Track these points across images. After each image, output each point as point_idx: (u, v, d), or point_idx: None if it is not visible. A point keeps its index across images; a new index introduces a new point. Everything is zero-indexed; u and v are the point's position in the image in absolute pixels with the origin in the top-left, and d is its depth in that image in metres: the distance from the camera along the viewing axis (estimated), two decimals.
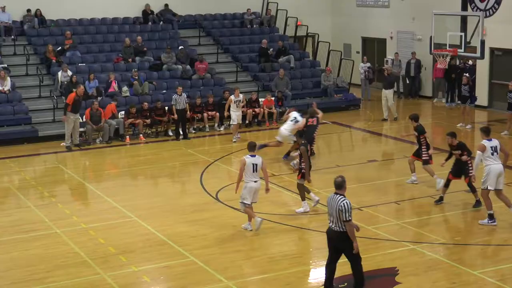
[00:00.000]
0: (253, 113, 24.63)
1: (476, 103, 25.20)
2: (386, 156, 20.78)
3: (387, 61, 30.20)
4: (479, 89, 26.20)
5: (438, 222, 14.55)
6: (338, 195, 10.58)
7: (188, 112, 23.29)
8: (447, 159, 15.57)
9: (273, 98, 25.45)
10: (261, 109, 24.82)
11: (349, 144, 23.07)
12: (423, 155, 16.62)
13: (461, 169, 15.20)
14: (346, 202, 10.45)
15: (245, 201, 13.89)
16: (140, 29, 29.14)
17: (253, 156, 13.81)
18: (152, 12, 29.70)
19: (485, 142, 14.10)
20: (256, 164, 13.73)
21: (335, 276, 10.92)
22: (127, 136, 22.86)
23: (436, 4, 25.87)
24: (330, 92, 27.48)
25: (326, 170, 18.65)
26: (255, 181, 13.79)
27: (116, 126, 22.81)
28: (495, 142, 14.13)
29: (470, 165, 14.96)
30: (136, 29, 29.12)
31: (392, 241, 13.38)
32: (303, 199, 15.18)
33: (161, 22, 29.74)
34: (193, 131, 23.69)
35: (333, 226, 10.63)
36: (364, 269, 10.87)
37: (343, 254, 10.78)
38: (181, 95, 22.88)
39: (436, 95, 29.10)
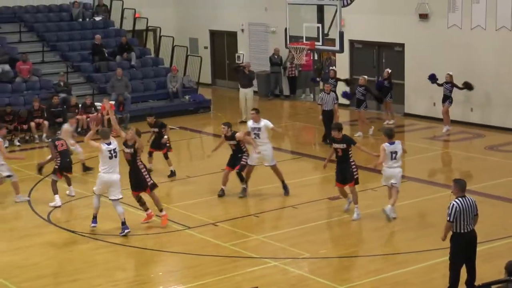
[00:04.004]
0: (88, 119, 24.23)
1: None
2: None
3: (239, 56, 30.65)
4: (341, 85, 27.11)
5: (301, 235, 14.88)
6: None
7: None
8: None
9: (113, 102, 25.08)
10: (99, 115, 24.46)
11: (200, 151, 23.17)
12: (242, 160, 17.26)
13: None
14: None
15: None
16: None
17: None
18: None
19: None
20: None
21: None
22: None
23: None
24: (179, 93, 27.45)
25: (177, 181, 18.75)
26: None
27: None
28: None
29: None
30: None
31: (252, 258, 13.59)
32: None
33: None
34: (18, 144, 22.97)
35: None
36: None
37: None
38: None
39: (304, 91, 29.84)
